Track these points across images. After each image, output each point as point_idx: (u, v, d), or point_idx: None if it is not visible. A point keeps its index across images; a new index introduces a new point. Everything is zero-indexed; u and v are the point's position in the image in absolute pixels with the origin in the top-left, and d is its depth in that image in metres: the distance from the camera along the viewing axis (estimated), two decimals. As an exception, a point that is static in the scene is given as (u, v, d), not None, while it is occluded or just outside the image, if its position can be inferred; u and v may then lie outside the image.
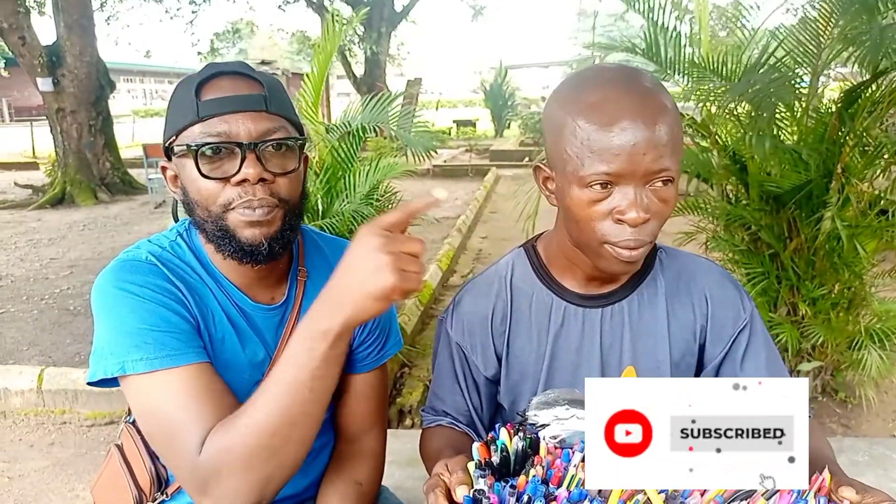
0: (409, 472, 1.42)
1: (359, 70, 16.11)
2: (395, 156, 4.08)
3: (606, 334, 1.01)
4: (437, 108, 19.25)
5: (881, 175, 2.95)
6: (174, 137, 0.93)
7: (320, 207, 3.47)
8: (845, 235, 2.70)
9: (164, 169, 1.01)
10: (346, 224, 3.37)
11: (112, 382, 0.92)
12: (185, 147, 0.91)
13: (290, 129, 0.96)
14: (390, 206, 3.87)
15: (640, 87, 0.85)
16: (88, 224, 8.33)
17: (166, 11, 16.48)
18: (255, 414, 0.84)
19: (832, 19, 2.70)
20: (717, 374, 1.03)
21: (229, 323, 1.00)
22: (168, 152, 0.97)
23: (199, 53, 17.41)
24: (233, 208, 0.92)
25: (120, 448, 1.12)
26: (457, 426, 1.08)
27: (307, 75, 3.43)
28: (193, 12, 16.54)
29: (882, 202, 2.88)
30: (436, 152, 3.79)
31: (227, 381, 0.94)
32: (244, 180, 0.91)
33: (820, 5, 2.67)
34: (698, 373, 1.05)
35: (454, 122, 19.83)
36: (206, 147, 0.90)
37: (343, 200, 3.48)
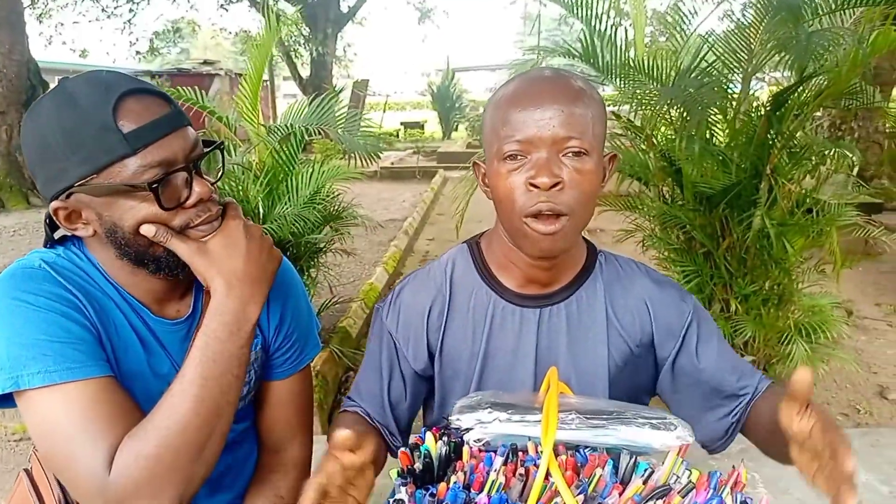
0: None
1: (305, 72, 15.91)
2: (341, 158, 4.04)
3: (543, 335, 1.01)
4: (384, 110, 19.15)
5: (807, 175, 3.08)
6: (94, 176, 0.85)
7: (261, 211, 3.40)
8: (774, 234, 2.80)
9: (57, 211, 0.89)
10: (289, 227, 3.32)
11: (9, 401, 0.85)
12: (123, 185, 0.85)
13: (195, 133, 0.94)
14: (334, 210, 3.83)
15: (558, 76, 0.93)
16: (19, 229, 7.96)
17: (103, 10, 15.91)
18: (178, 413, 0.82)
19: (762, 26, 2.80)
20: (673, 369, 1.04)
21: (134, 333, 0.96)
22: (66, 191, 0.87)
23: (139, 53, 16.87)
24: (192, 227, 0.90)
25: (29, 473, 1.05)
26: (368, 419, 1.07)
27: (244, 75, 3.37)
28: (131, 10, 16.02)
29: (808, 201, 3.00)
30: (380, 155, 3.77)
31: (131, 392, 0.90)
32: (199, 200, 0.90)
33: (750, 12, 2.77)
34: (655, 372, 1.06)
35: (402, 124, 19.76)
36: (161, 181, 0.86)
37: (285, 204, 3.42)
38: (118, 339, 0.94)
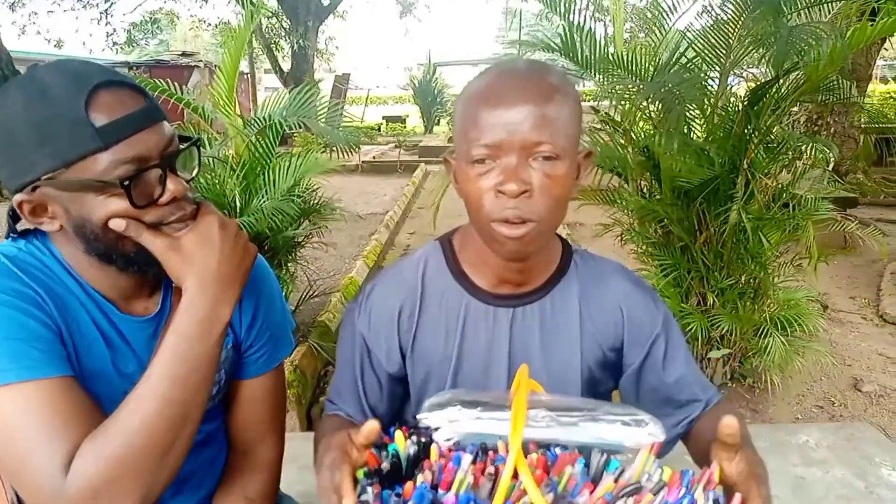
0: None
1: (286, 65, 15.76)
2: (322, 151, 4.00)
3: (517, 335, 1.00)
4: (366, 104, 19.06)
5: (784, 170, 3.11)
6: (63, 170, 0.82)
7: (238, 204, 3.36)
8: (750, 228, 2.83)
9: (21, 204, 0.85)
10: (266, 221, 3.28)
11: None
12: (93, 181, 0.82)
13: (171, 129, 0.91)
14: (313, 203, 3.79)
15: (530, 71, 0.89)
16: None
17: (79, 0, 15.60)
18: (144, 413, 0.80)
19: (740, 20, 2.81)
20: (637, 379, 1.04)
21: (97, 330, 0.92)
22: (32, 185, 0.83)
23: (115, 44, 16.57)
24: (166, 225, 0.87)
25: None
26: (352, 421, 1.05)
27: (219, 67, 3.32)
28: (108, 1, 15.73)
29: (785, 196, 3.03)
30: (359, 147, 3.74)
31: (94, 393, 0.87)
32: (173, 198, 0.87)
33: (729, 7, 2.77)
34: (618, 376, 1.05)
35: (384, 118, 19.67)
36: (134, 178, 0.83)
37: (262, 197, 3.38)
38: (80, 337, 0.91)
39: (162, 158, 0.86)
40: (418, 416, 0.78)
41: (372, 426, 0.75)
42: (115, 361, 0.94)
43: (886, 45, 6.61)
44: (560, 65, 3.43)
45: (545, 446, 0.78)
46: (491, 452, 0.77)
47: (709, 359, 3.19)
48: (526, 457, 0.75)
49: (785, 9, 2.70)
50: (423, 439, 0.80)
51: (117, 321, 0.95)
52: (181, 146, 0.91)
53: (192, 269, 0.86)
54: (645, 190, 3.21)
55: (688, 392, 1.04)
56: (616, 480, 0.73)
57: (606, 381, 1.06)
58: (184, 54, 14.11)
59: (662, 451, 1.02)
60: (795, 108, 2.98)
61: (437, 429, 0.78)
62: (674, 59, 2.82)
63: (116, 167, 0.82)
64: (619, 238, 3.40)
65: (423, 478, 0.72)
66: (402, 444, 0.79)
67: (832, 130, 6.80)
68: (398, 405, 1.09)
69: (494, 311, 1.00)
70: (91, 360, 0.92)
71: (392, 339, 1.02)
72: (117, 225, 0.84)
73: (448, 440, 0.78)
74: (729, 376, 3.30)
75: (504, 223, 0.86)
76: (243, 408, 1.09)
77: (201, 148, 0.97)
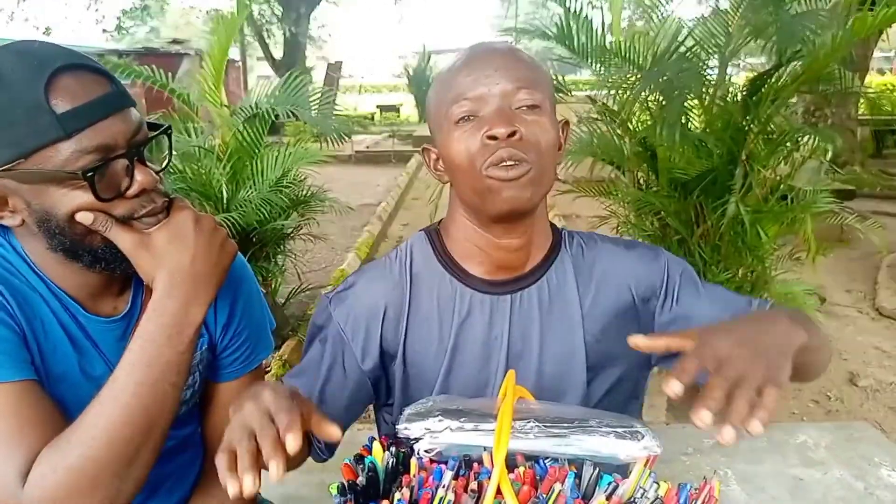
0: (305, 479, 1.32)
1: (278, 53, 15.61)
2: (314, 141, 3.93)
3: (516, 323, 0.94)
4: (359, 93, 18.93)
5: (783, 162, 3.05)
6: (22, 160, 0.76)
7: (225, 195, 3.29)
8: (748, 221, 2.77)
9: None
10: (254, 213, 3.22)
11: None
12: (55, 172, 0.76)
13: (140, 116, 0.85)
14: (302, 194, 3.72)
15: (504, 46, 0.92)
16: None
17: (68, -15, 15.41)
18: (106, 422, 0.75)
19: (740, 9, 2.75)
20: (667, 325, 0.97)
21: (63, 331, 0.87)
22: None
23: (105, 31, 16.40)
24: (136, 219, 0.82)
25: None
26: None
27: (207, 54, 3.24)
28: (98, -13, 15.55)
29: (782, 188, 2.98)
30: (349, 137, 3.66)
31: (59, 397, 0.83)
32: (142, 190, 0.81)
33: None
34: (645, 329, 0.97)
35: (378, 107, 19.54)
36: (98, 169, 0.77)
37: (249, 188, 3.31)
38: (45, 339, 0.86)
39: (129, 148, 0.80)
40: (398, 426, 0.72)
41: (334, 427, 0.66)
42: (82, 364, 0.89)
43: (883, 36, 6.55)
44: (557, 54, 3.37)
45: (534, 459, 0.72)
46: (475, 464, 0.72)
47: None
48: (513, 470, 0.70)
49: (785, -3, 2.64)
50: (402, 450, 0.74)
51: (84, 322, 0.90)
52: (151, 134, 0.85)
53: (163, 267, 0.81)
54: (642, 181, 3.16)
55: (725, 317, 0.91)
56: (609, 497, 0.68)
57: (615, 348, 0.95)
58: (174, 42, 13.93)
59: None
60: (794, 99, 2.92)
61: (417, 439, 0.72)
62: (672, 48, 2.75)
63: (79, 157, 0.76)
64: (616, 230, 3.34)
65: (400, 495, 0.66)
66: (381, 456, 0.74)
67: (829, 122, 6.75)
68: (355, 413, 1.00)
69: (492, 300, 0.95)
70: (56, 362, 0.87)
71: (373, 337, 0.96)
72: (84, 218, 0.79)
73: (429, 451, 0.73)
74: (725, 370, 3.25)
75: (498, 167, 0.84)
76: (220, 412, 1.04)
77: (172, 139, 0.91)
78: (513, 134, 0.83)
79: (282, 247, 3.70)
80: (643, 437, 0.69)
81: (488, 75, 0.86)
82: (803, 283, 3.33)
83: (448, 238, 0.99)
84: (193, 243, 0.82)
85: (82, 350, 0.89)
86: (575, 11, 2.94)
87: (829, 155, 3.28)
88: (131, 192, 0.81)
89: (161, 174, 0.86)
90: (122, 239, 0.80)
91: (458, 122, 0.87)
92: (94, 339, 0.90)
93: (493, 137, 0.83)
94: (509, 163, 0.83)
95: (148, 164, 0.84)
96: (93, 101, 0.77)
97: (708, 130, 2.89)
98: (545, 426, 0.69)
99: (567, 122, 0.96)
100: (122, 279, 0.92)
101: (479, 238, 0.93)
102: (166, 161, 0.90)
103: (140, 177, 0.80)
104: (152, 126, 0.86)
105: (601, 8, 3.07)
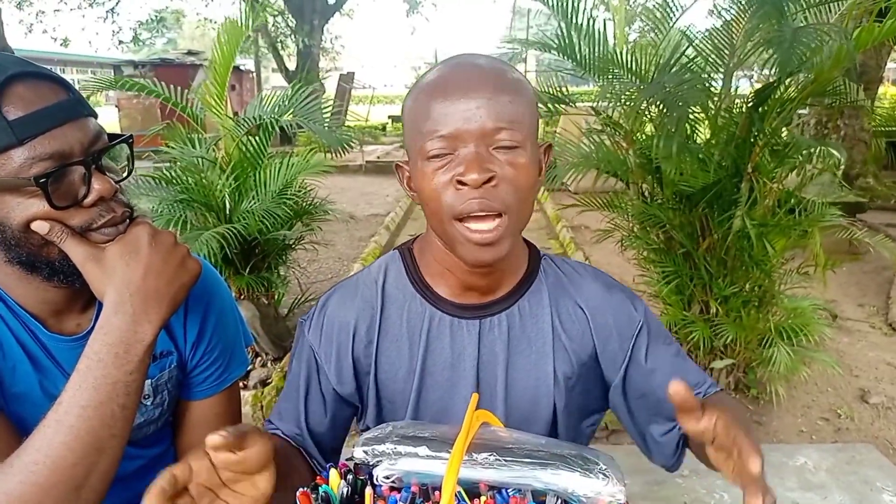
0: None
1: (292, 64, 15.73)
2: (326, 151, 3.92)
3: (485, 349, 0.91)
4: (371, 103, 18.99)
5: (790, 174, 3.00)
6: None
7: (228, 206, 3.29)
8: (754, 234, 2.72)
9: None
10: (257, 224, 3.21)
11: None
12: (7, 180, 0.75)
13: (98, 125, 0.83)
14: (306, 204, 3.71)
15: (484, 61, 0.84)
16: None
17: (85, -2, 15.63)
18: (49, 447, 0.73)
19: (744, 21, 2.71)
20: (624, 382, 0.94)
21: (22, 350, 0.85)
22: None
23: (122, 42, 16.62)
24: (94, 230, 0.80)
25: None
26: (291, 442, 0.96)
27: (212, 63, 3.25)
28: (114, -1, 15.76)
29: (791, 201, 2.92)
30: (352, 147, 3.65)
31: (20, 417, 0.81)
32: (100, 198, 0.79)
33: (732, 7, 2.68)
34: (605, 386, 0.96)
35: (390, 117, 19.57)
36: (52, 175, 0.75)
37: (252, 199, 3.30)
38: (3, 358, 0.84)
39: (86, 155, 0.79)
40: (353, 451, 0.69)
41: (220, 433, 0.62)
42: (43, 383, 0.87)
43: (897, 47, 6.48)
44: (561, 65, 3.34)
45: (496, 488, 0.69)
46: (436, 493, 0.69)
47: (712, 369, 3.09)
48: (474, 500, 0.67)
49: (790, 8, 2.60)
50: (361, 478, 0.71)
51: (45, 340, 0.88)
52: (110, 143, 0.83)
53: (112, 282, 0.78)
54: (646, 194, 3.11)
55: (692, 377, 0.93)
56: (574, 531, 0.65)
57: (584, 398, 0.96)
58: (189, 53, 14.07)
59: (674, 464, 0.96)
60: (805, 111, 2.87)
61: (374, 465, 0.69)
62: (674, 60, 2.72)
63: (33, 164, 0.75)
64: (620, 243, 3.30)
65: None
66: (337, 484, 0.71)
67: (842, 133, 6.65)
68: (343, 427, 1.00)
69: (460, 324, 0.91)
70: (15, 382, 0.85)
71: (345, 357, 0.94)
72: (40, 228, 0.77)
73: (388, 477, 0.70)
74: (733, 387, 3.19)
75: (470, 219, 0.79)
76: (192, 430, 1.02)
77: (133, 149, 0.89)
78: (488, 181, 0.78)
79: (284, 257, 3.69)
80: (609, 480, 0.65)
81: (466, 108, 0.78)
82: (812, 298, 3.26)
83: (420, 258, 0.96)
84: (146, 258, 0.80)
85: (43, 369, 0.87)
86: (577, 23, 2.92)
87: (842, 167, 3.23)
88: (88, 200, 0.79)
89: (120, 184, 0.84)
90: (74, 251, 0.78)
91: (430, 157, 0.81)
92: (56, 357, 0.88)
93: (465, 183, 0.78)
94: (480, 213, 0.79)
95: (108, 173, 0.82)
96: (47, 107, 0.76)
97: (713, 142, 2.84)
98: (504, 460, 0.65)
99: (550, 146, 0.90)
100: (86, 295, 0.90)
101: (449, 260, 0.89)
102: (128, 172, 0.88)
103: (98, 185, 0.79)
104: (115, 136, 0.85)
105: (604, 19, 3.03)
